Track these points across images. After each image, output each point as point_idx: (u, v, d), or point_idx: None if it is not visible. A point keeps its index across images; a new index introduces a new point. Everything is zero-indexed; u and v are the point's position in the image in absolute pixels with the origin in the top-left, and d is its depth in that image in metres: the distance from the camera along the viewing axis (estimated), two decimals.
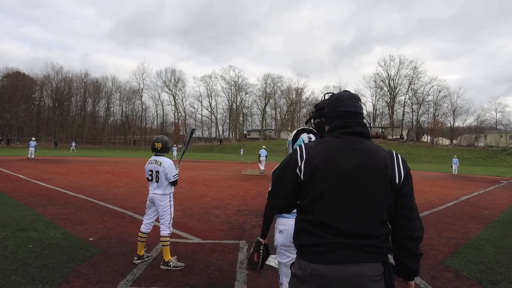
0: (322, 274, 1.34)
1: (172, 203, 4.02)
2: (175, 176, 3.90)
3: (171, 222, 3.99)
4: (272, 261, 4.15)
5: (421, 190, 12.39)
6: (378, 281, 1.36)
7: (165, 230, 3.91)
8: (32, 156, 23.44)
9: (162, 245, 3.89)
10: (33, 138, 25.41)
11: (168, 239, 3.89)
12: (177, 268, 3.75)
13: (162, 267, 3.77)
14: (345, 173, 1.40)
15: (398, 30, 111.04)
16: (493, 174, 24.92)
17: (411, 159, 47.72)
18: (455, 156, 26.49)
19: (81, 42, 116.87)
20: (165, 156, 4.02)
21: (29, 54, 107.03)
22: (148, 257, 4.07)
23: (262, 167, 18.90)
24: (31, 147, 23.61)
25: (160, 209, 3.96)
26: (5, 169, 14.85)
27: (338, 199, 1.39)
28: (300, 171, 1.45)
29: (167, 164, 3.87)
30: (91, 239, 4.80)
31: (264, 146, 21.17)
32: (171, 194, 4.02)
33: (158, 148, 3.94)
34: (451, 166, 24.83)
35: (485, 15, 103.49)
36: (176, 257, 3.99)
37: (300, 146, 1.51)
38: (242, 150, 50.46)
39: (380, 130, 67.00)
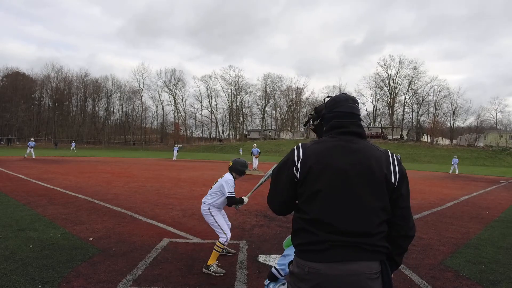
0: (319, 272, 1.36)
1: (213, 213, 3.96)
2: (230, 193, 3.85)
3: (222, 230, 3.89)
4: (272, 261, 4.16)
5: (421, 190, 12.39)
6: (375, 279, 1.38)
7: (221, 238, 3.86)
8: (26, 155, 23.80)
9: (214, 248, 3.87)
10: (32, 139, 25.65)
11: (220, 245, 3.83)
12: (217, 274, 3.68)
13: (203, 270, 3.74)
14: (341, 172, 1.42)
15: (410, 29, 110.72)
16: (493, 174, 24.92)
17: (411, 159, 47.72)
18: (455, 156, 26.54)
19: (88, 42, 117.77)
20: (233, 174, 4.02)
21: (35, 54, 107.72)
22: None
23: (254, 165, 19.57)
24: (30, 147, 23.84)
25: (209, 224, 3.98)
26: (5, 169, 14.85)
27: (334, 198, 1.41)
28: (296, 170, 1.47)
29: (225, 178, 3.92)
30: (91, 239, 4.80)
31: (255, 144, 22.04)
32: (211, 206, 3.96)
33: (229, 166, 4.05)
34: (452, 165, 24.84)
35: (496, 13, 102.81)
36: (218, 262, 3.91)
37: (298, 146, 1.54)
38: (241, 150, 50.46)
39: (380, 130, 67.00)
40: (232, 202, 3.87)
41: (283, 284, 2.74)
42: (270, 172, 4.00)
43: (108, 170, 16.68)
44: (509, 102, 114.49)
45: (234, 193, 3.87)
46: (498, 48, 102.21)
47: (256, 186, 3.85)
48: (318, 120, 1.70)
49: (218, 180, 4.00)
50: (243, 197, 3.92)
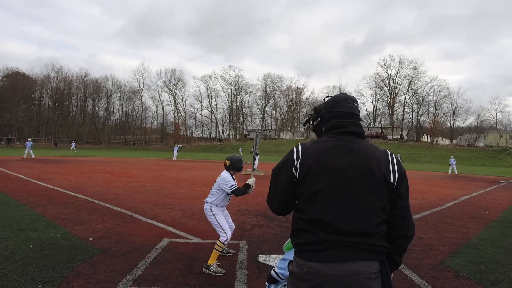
0: (318, 272, 1.36)
1: (215, 212, 3.99)
2: (232, 187, 3.88)
3: (223, 230, 3.93)
4: (272, 261, 4.16)
5: (421, 190, 12.40)
6: (374, 279, 1.38)
7: (221, 237, 3.89)
8: (25, 156, 23.85)
9: (214, 248, 3.89)
10: (29, 139, 25.74)
11: (220, 244, 3.86)
12: (217, 274, 3.69)
13: (203, 270, 3.76)
14: (340, 172, 1.42)
15: (410, 29, 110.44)
16: (493, 174, 24.92)
17: (411, 159, 47.72)
18: (452, 156, 26.60)
19: (88, 42, 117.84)
20: (230, 172, 4.04)
21: (35, 54, 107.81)
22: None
23: (255, 165, 19.39)
24: (28, 147, 23.89)
25: (211, 223, 4.01)
26: (5, 169, 14.85)
27: (333, 198, 1.41)
28: (296, 170, 1.48)
29: (223, 176, 3.98)
30: (91, 239, 4.80)
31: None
32: (212, 204, 4.00)
33: (226, 165, 4.07)
34: (450, 165, 24.87)
35: (496, 13, 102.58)
36: (218, 262, 3.92)
37: (297, 146, 1.55)
38: (240, 150, 50.46)
39: (380, 130, 66.97)
40: (239, 193, 3.87)
41: (284, 285, 2.74)
42: (258, 134, 4.01)
43: (108, 170, 16.68)
44: (509, 102, 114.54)
45: (236, 185, 3.90)
46: (498, 48, 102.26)
47: (253, 157, 3.87)
48: (318, 120, 1.70)
49: (217, 180, 4.04)
50: (248, 182, 3.94)
